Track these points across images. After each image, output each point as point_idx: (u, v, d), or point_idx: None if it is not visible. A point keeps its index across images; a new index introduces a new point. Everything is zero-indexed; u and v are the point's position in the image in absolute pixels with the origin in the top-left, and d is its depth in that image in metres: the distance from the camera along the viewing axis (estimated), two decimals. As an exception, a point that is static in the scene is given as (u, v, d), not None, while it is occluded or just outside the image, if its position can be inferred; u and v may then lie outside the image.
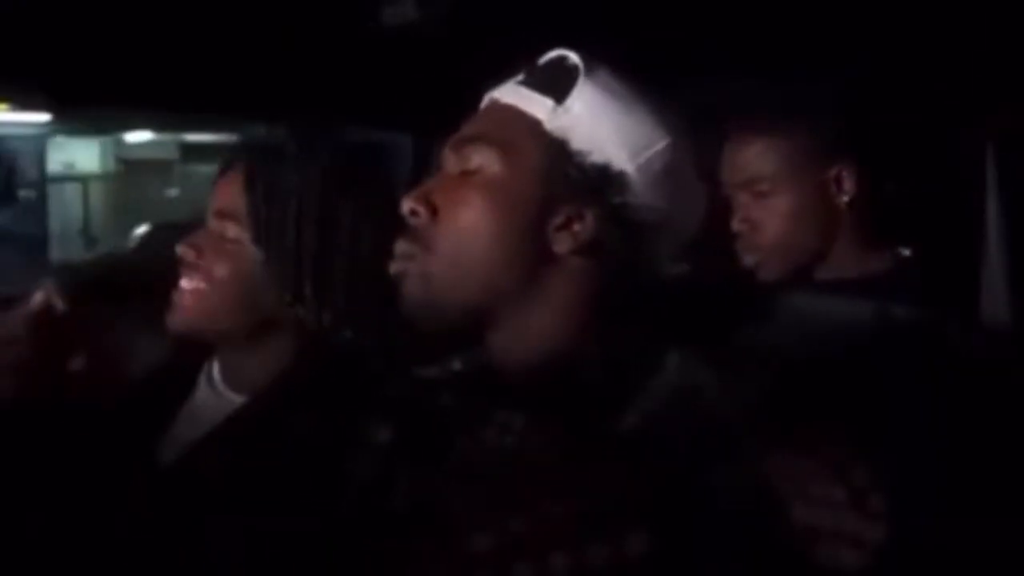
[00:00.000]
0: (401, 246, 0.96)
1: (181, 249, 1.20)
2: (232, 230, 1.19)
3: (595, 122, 0.93)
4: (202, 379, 1.26)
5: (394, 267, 0.96)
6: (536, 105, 0.95)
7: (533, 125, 0.94)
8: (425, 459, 0.95)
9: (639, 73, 0.97)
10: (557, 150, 0.93)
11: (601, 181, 0.93)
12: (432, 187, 0.96)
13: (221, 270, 1.19)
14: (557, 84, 0.95)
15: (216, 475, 1.14)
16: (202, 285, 1.19)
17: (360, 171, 1.24)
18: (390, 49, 1.59)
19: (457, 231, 0.93)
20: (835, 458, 0.79)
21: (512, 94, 0.98)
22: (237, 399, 1.22)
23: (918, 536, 0.85)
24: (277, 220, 1.18)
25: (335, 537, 0.99)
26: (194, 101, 1.80)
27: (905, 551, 0.79)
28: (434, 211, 0.94)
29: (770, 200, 1.44)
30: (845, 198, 1.45)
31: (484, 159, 0.94)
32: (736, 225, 1.47)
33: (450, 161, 0.98)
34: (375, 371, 1.10)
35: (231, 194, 1.20)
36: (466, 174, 0.95)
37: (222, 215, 1.20)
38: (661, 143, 0.95)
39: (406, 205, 0.95)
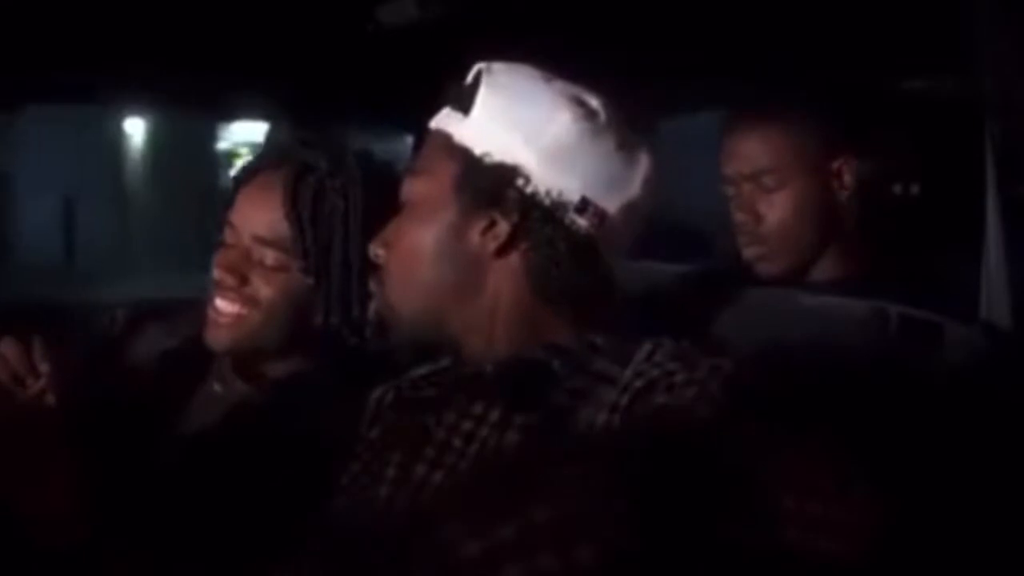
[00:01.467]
0: (372, 286, 1.07)
1: (219, 273, 1.20)
2: (272, 257, 1.20)
3: (492, 123, 0.98)
4: (214, 371, 1.29)
5: (372, 307, 1.08)
6: (450, 122, 1.01)
7: (447, 141, 1.00)
8: (407, 450, 1.01)
9: (640, 71, 0.98)
10: (465, 160, 0.99)
11: (504, 178, 0.97)
12: (387, 228, 1.05)
13: (267, 296, 1.20)
14: (466, 97, 1.00)
15: (227, 458, 1.17)
16: (244, 310, 1.20)
17: (387, 180, 1.24)
18: (390, 48, 1.59)
19: (401, 259, 1.02)
20: (816, 449, 0.80)
21: (439, 117, 1.04)
22: (247, 389, 1.25)
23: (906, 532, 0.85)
24: (325, 248, 1.20)
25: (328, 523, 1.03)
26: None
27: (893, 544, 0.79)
28: (390, 249, 1.04)
29: (776, 192, 1.43)
30: (845, 193, 1.45)
31: (414, 188, 1.03)
32: (739, 217, 1.46)
33: (401, 197, 1.06)
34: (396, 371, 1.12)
35: (269, 220, 1.20)
36: (404, 206, 1.04)
37: (261, 241, 1.20)
38: (558, 122, 0.97)
39: (371, 250, 1.06)
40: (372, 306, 1.09)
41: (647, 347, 0.94)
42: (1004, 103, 1.07)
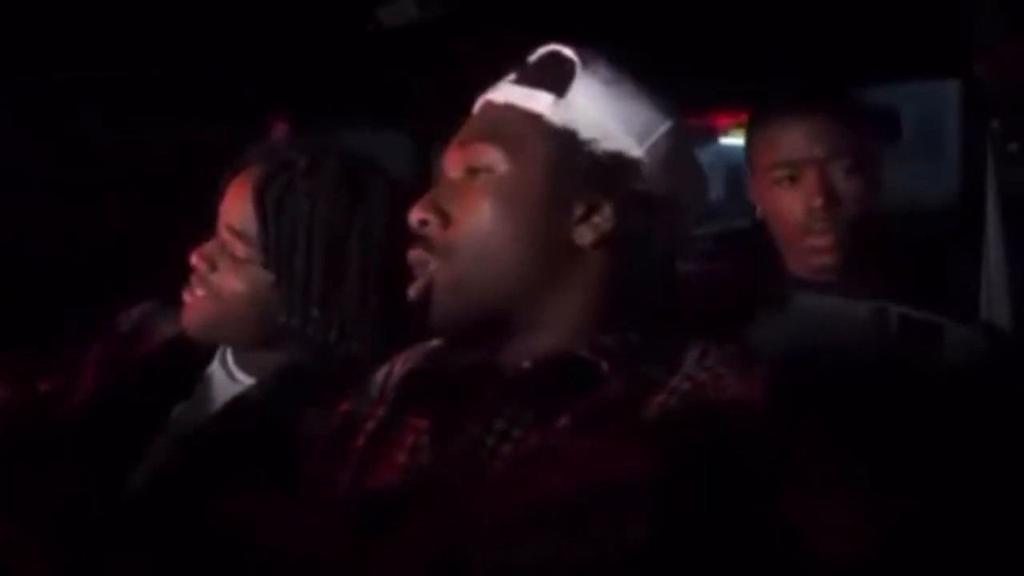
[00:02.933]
0: (416, 255, 0.95)
1: (193, 259, 1.22)
2: (241, 249, 1.21)
3: (600, 112, 0.94)
4: (216, 358, 1.30)
5: (413, 276, 0.96)
6: (536, 101, 0.95)
7: (535, 121, 0.94)
8: (424, 439, 0.95)
9: (642, 72, 0.97)
10: (565, 143, 0.93)
11: (615, 169, 0.93)
12: (440, 194, 0.96)
13: (231, 288, 1.21)
14: (555, 79, 0.95)
15: (226, 447, 1.17)
16: (211, 297, 1.22)
17: (366, 187, 1.23)
18: (389, 48, 1.59)
19: (476, 235, 0.93)
20: (834, 454, 0.80)
21: (509, 93, 0.97)
22: (248, 380, 1.25)
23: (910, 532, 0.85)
24: (288, 246, 1.20)
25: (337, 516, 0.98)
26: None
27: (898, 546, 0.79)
28: (445, 218, 0.94)
29: (856, 176, 1.32)
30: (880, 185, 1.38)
31: (490, 159, 0.94)
32: (817, 201, 1.32)
33: (453, 165, 0.97)
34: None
35: (242, 212, 1.21)
36: (473, 177, 0.94)
37: (233, 232, 1.21)
38: (664, 126, 0.95)
39: (415, 215, 0.95)
40: (418, 283, 0.96)
41: (697, 350, 0.91)
42: (1004, 103, 1.07)
